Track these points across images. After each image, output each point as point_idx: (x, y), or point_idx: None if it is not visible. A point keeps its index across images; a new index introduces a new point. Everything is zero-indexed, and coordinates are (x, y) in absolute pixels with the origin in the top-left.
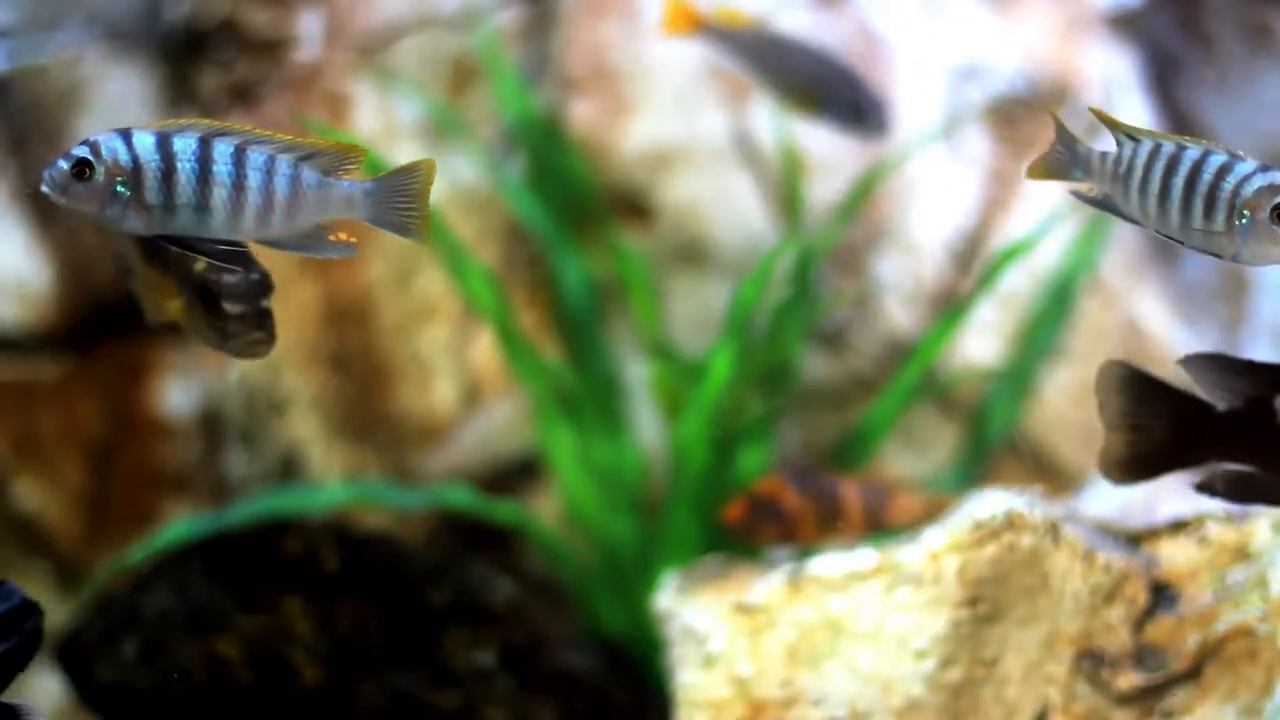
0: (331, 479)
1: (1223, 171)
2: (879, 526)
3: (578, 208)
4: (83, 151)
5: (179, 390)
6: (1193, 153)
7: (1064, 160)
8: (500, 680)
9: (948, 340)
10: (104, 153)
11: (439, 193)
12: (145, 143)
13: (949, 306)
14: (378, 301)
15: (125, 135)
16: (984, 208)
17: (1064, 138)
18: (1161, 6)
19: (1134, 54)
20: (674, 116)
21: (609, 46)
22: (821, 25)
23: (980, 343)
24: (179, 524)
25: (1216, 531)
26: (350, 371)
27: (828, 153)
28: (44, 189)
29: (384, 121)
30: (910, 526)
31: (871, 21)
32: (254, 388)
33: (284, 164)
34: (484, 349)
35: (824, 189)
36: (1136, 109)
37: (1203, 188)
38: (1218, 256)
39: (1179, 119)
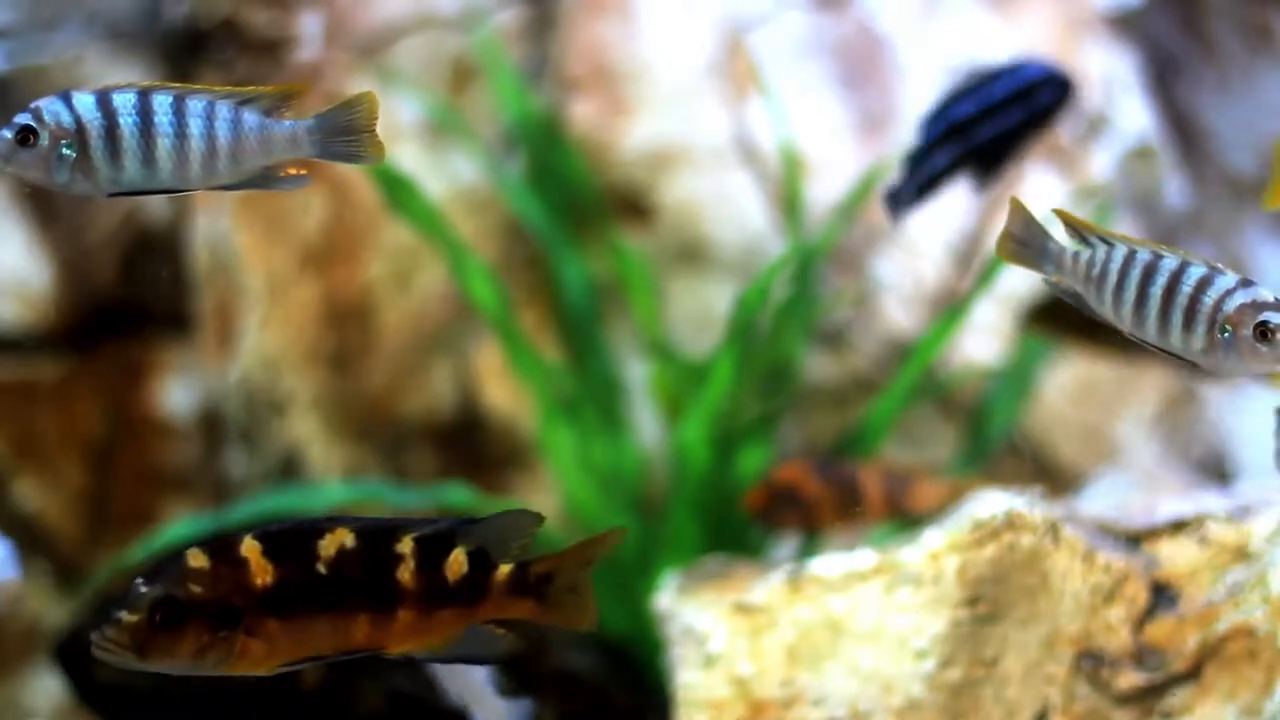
0: (331, 479)
1: (1203, 285)
2: (900, 513)
3: (577, 207)
4: (25, 118)
5: (179, 390)
6: (1170, 262)
7: (1033, 253)
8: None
9: (947, 340)
10: (46, 117)
11: (439, 192)
12: (85, 102)
13: (948, 306)
14: (378, 301)
15: (65, 98)
16: (983, 208)
17: (1032, 232)
18: (1161, 6)
19: (1134, 54)
20: (674, 116)
21: (608, 46)
22: (822, 25)
23: (980, 343)
24: (179, 524)
25: (1216, 531)
26: (350, 371)
27: (828, 153)
28: None
29: (384, 121)
30: (932, 513)
31: (871, 21)
32: (254, 388)
33: (224, 109)
34: (483, 348)
35: (824, 189)
36: (1136, 109)
37: (1182, 299)
38: (1196, 365)
39: (1179, 119)
